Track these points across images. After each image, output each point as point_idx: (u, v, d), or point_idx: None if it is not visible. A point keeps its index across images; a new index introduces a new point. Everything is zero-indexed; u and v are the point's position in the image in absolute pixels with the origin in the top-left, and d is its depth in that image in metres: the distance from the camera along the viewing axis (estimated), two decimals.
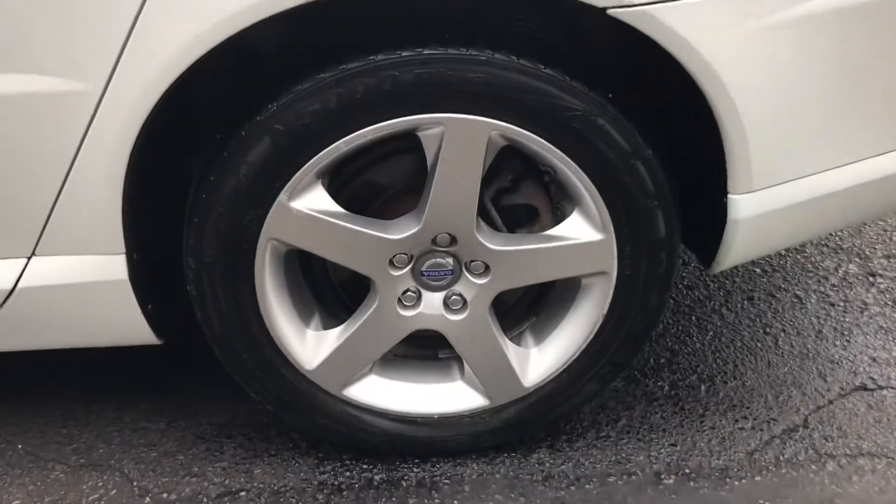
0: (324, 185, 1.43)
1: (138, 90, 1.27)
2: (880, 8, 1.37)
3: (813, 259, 2.34)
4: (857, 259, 2.35)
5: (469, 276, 1.52)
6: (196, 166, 1.49)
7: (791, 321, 2.11)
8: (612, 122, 1.38)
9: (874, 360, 1.97)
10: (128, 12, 1.23)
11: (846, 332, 2.06)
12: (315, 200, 1.41)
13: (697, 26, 1.27)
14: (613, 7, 1.24)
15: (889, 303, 2.17)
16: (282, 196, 1.39)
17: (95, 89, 1.26)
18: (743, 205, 1.47)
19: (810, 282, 2.26)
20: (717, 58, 1.29)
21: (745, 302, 2.18)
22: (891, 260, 2.35)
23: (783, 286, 2.24)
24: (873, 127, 1.50)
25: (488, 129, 1.36)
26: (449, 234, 1.47)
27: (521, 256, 1.50)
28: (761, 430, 1.77)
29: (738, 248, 1.53)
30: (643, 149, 1.41)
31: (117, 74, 1.25)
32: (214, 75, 1.40)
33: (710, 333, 2.06)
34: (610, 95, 1.38)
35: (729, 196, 1.46)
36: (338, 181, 1.50)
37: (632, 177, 1.42)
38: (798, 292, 2.22)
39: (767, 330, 2.08)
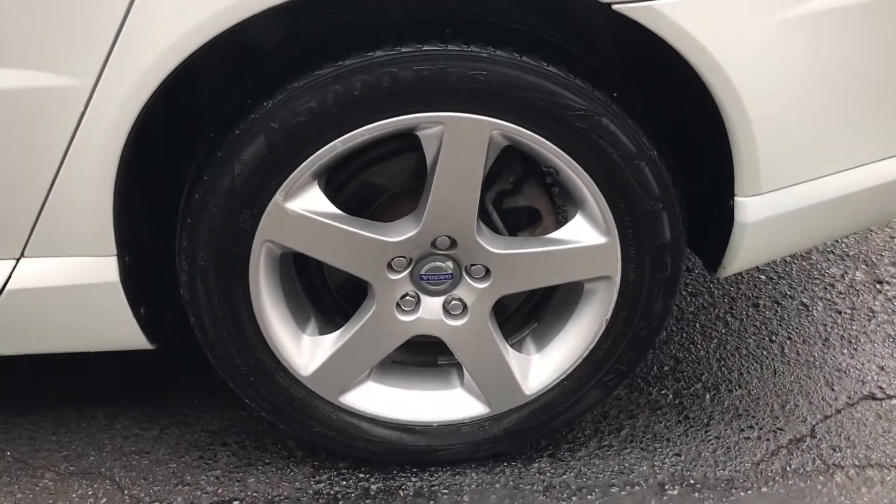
0: (320, 186, 1.40)
1: (130, 85, 1.23)
2: (885, 8, 1.34)
3: (819, 266, 2.30)
4: (863, 266, 2.31)
5: (469, 281, 1.49)
6: (190, 165, 1.45)
7: (797, 329, 2.07)
8: (617, 121, 1.34)
9: (882, 368, 1.93)
10: (119, 4, 1.20)
11: (853, 341, 2.02)
12: (311, 201, 1.38)
13: (705, 22, 1.24)
14: (618, 2, 1.20)
15: None
16: (277, 196, 1.35)
17: (85, 85, 1.22)
18: (750, 208, 1.43)
19: (816, 289, 2.22)
20: (725, 55, 1.26)
21: (751, 309, 2.14)
22: None
23: (789, 293, 2.20)
24: (888, 127, 1.47)
25: (489, 128, 1.33)
26: (449, 237, 1.43)
27: (522, 260, 1.47)
28: (767, 439, 1.73)
29: (745, 252, 1.49)
30: (648, 149, 1.38)
31: (108, 69, 1.22)
32: (209, 71, 1.36)
33: (715, 341, 2.02)
34: (615, 94, 1.34)
35: (736, 199, 1.43)
36: (335, 182, 1.47)
37: (636, 178, 1.38)
38: (804, 299, 2.18)
39: (773, 338, 2.04)
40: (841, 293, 2.20)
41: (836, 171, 1.47)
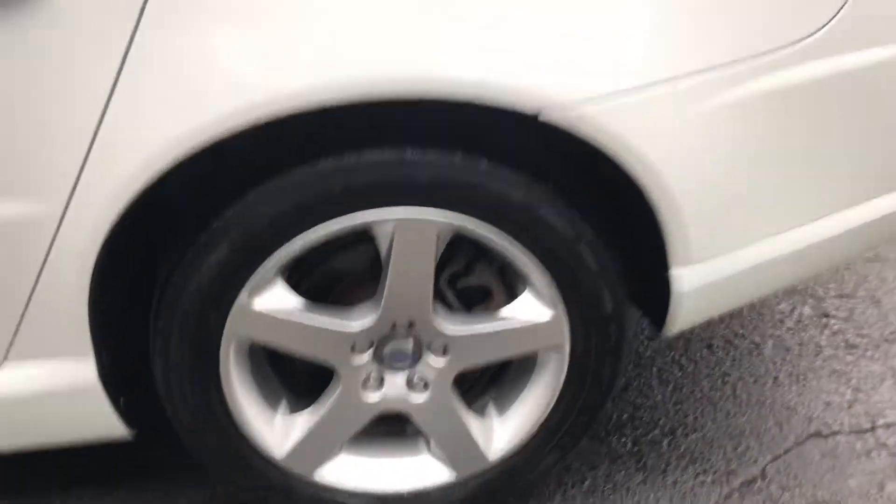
0: (284, 279, 1.49)
1: (99, 207, 1.31)
2: (802, 91, 1.45)
3: (769, 302, 2.42)
4: (811, 300, 2.43)
5: (430, 358, 1.58)
6: (161, 266, 1.54)
7: (748, 368, 2.18)
8: (554, 210, 1.44)
9: (828, 404, 2.04)
10: (86, 130, 1.27)
11: (801, 378, 2.14)
12: (275, 297, 1.47)
13: (628, 123, 1.34)
14: (545, 111, 1.30)
15: (841, 344, 2.25)
16: (242, 296, 1.44)
17: (56, 210, 1.31)
18: (685, 278, 1.54)
19: (767, 326, 2.34)
20: (650, 151, 1.36)
21: (704, 350, 2.25)
22: (843, 299, 2.43)
23: (741, 332, 2.31)
24: (808, 197, 1.58)
25: (437, 223, 1.43)
26: (407, 321, 1.53)
27: (477, 337, 1.57)
28: (721, 483, 1.84)
29: (683, 316, 1.60)
30: (585, 231, 1.48)
31: (78, 193, 1.30)
32: (175, 181, 1.45)
33: (671, 385, 2.13)
34: (551, 184, 1.45)
35: (671, 270, 1.53)
36: (300, 270, 1.56)
37: (576, 259, 1.49)
38: (755, 338, 2.29)
39: (726, 379, 2.14)
40: (790, 329, 2.32)
41: (765, 237, 1.58)
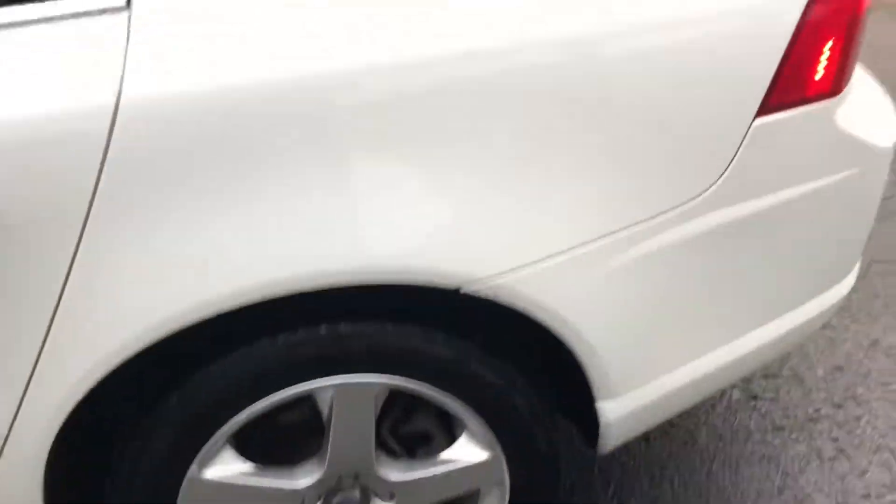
0: (232, 445, 1.57)
1: (51, 408, 1.38)
2: (699, 240, 1.58)
3: None
4: (740, 382, 2.56)
5: (378, 503, 1.67)
6: (115, 442, 1.60)
7: (684, 459, 2.29)
8: (483, 364, 1.55)
9: (759, 492, 2.17)
10: (35, 337, 1.34)
11: (733, 465, 2.26)
12: (224, 465, 1.54)
13: (538, 287, 1.45)
14: (464, 286, 1.41)
15: (769, 427, 2.39)
16: (192, 469, 1.51)
17: (7, 413, 1.37)
18: (609, 409, 1.65)
19: (699, 412, 2.46)
20: (561, 309, 1.48)
21: (643, 444, 2.36)
22: (769, 379, 2.58)
23: (675, 421, 2.43)
24: (714, 326, 1.71)
25: (374, 386, 1.52)
26: (353, 473, 1.61)
27: (421, 481, 1.65)
28: None
29: (613, 439, 1.72)
30: (516, 379, 1.59)
31: (28, 397, 1.37)
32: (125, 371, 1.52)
33: (612, 487, 2.23)
34: (479, 340, 1.55)
35: (596, 403, 1.65)
36: (244, 430, 1.63)
37: (509, 405, 1.59)
38: (689, 426, 2.41)
39: (664, 472, 2.26)
40: (720, 414, 2.45)
41: (680, 364, 1.71)
